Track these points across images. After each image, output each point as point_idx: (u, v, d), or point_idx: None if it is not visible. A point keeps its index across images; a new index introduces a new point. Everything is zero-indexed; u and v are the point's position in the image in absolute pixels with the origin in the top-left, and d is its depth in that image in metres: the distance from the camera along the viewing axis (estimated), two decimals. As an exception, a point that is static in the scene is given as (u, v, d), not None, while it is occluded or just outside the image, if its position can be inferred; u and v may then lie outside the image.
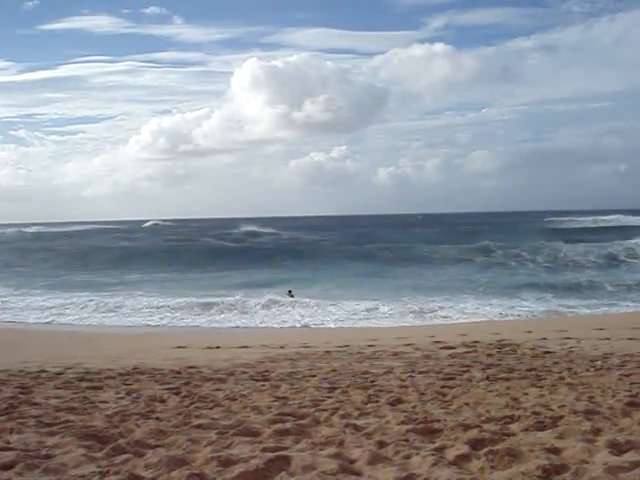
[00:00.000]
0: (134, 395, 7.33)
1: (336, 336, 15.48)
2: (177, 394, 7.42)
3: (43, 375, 9.06)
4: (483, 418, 5.67)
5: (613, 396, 6.59)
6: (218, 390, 7.74)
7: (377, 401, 6.79)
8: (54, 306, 23.86)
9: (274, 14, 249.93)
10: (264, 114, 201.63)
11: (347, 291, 26.45)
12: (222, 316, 21.65)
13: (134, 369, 9.76)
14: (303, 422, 5.67)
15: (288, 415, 6.01)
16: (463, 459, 4.40)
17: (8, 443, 4.86)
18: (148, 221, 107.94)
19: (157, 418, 5.98)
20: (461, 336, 13.80)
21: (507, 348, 11.67)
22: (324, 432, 5.30)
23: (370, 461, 4.39)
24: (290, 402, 6.82)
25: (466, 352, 11.36)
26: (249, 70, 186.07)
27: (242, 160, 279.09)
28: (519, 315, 20.50)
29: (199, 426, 5.59)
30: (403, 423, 5.55)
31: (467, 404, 6.46)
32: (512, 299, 23.63)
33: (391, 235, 63.11)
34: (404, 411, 6.16)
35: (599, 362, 9.55)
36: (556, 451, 4.49)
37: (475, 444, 4.70)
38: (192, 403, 6.82)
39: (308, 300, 23.53)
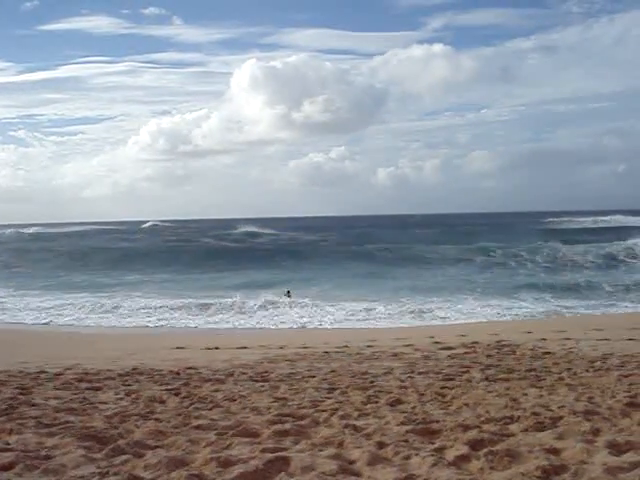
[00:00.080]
0: (133, 396, 7.34)
1: (335, 337, 15.48)
2: (176, 395, 7.42)
3: (42, 376, 9.06)
4: (483, 419, 5.67)
5: (612, 397, 6.60)
6: (217, 391, 7.74)
7: (376, 402, 6.79)
8: (52, 307, 23.86)
9: (273, 15, 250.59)
10: (263, 115, 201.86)
11: (346, 291, 26.44)
12: (221, 317, 21.64)
13: (133, 370, 9.76)
14: (302, 423, 5.67)
15: (287, 416, 6.01)
16: (463, 460, 4.40)
17: (7, 444, 4.85)
18: (147, 222, 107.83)
19: (156, 419, 5.98)
20: (460, 337, 13.80)
21: (506, 349, 11.67)
22: (323, 433, 5.30)
23: (370, 462, 4.39)
24: (289, 403, 6.82)
25: (465, 353, 11.36)
26: (248, 71, 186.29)
27: (241, 161, 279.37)
28: (518, 315, 20.50)
29: (198, 427, 5.59)
30: (403, 424, 5.55)
31: (467, 405, 6.46)
32: (511, 300, 23.64)
33: (390, 235, 63.07)
34: (404, 412, 6.17)
35: (598, 363, 9.55)
36: (555, 452, 4.49)
37: (475, 445, 4.70)
38: (191, 404, 6.82)
39: (307, 301, 23.53)
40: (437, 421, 5.59)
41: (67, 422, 5.69)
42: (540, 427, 5.27)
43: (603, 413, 5.77)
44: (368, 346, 12.70)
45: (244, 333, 18.56)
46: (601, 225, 72.30)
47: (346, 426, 5.49)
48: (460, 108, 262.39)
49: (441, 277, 32.22)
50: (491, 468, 4.23)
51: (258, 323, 20.35)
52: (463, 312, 21.09)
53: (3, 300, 25.92)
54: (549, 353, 10.95)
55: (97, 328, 20.17)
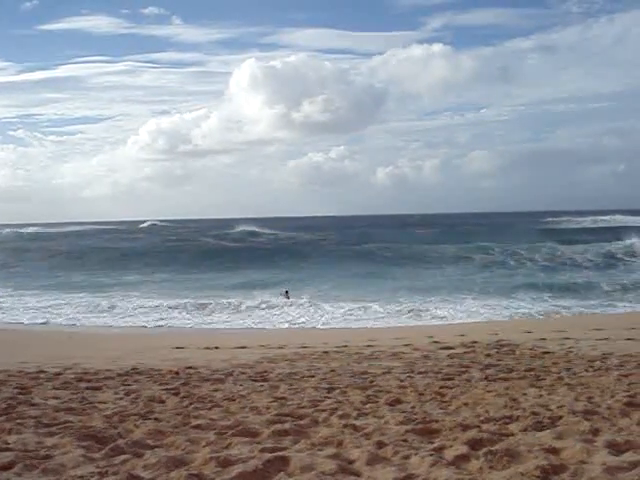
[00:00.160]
0: (133, 396, 7.33)
1: (334, 336, 15.48)
2: (176, 395, 7.42)
3: (42, 375, 9.06)
4: (482, 418, 5.67)
5: (612, 396, 6.60)
6: (217, 391, 7.75)
7: (376, 401, 6.80)
8: (50, 306, 23.85)
9: (273, 14, 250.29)
10: (263, 114, 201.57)
11: (345, 291, 26.44)
12: (220, 316, 21.64)
13: (133, 370, 9.76)
14: (302, 422, 5.68)
15: (287, 415, 6.01)
16: (462, 459, 4.40)
17: (7, 443, 4.85)
18: (146, 221, 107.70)
19: (156, 419, 5.98)
20: (460, 336, 13.81)
21: (506, 348, 11.68)
22: (323, 432, 5.30)
23: (369, 461, 4.39)
24: (289, 402, 6.82)
25: (465, 352, 11.37)
26: (248, 70, 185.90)
27: (241, 160, 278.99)
28: (517, 315, 20.51)
29: (198, 427, 5.59)
30: (402, 423, 5.55)
31: (466, 404, 6.46)
32: (510, 299, 23.65)
33: (389, 235, 63.04)
34: (403, 411, 6.17)
35: (598, 362, 9.56)
36: (555, 451, 4.49)
37: (474, 444, 4.70)
38: (191, 404, 6.83)
39: (305, 300, 23.53)
40: (436, 421, 5.59)
41: (66, 422, 5.69)
42: (539, 427, 5.28)
43: (602, 413, 5.78)
44: (367, 346, 12.70)
45: (243, 333, 18.55)
46: (600, 225, 72.33)
47: (345, 426, 5.49)
48: (460, 108, 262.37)
49: (440, 277, 32.22)
50: (490, 468, 4.23)
51: (257, 323, 20.34)
52: (462, 312, 21.08)
53: (1, 300, 25.89)
54: (548, 353, 10.96)
55: (96, 328, 20.17)
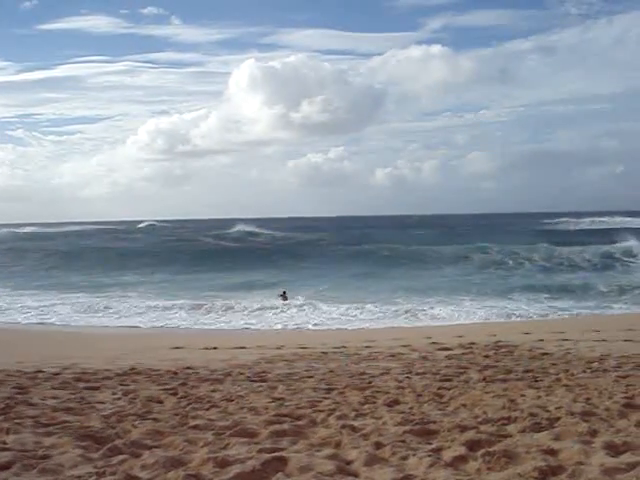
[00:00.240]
0: (131, 396, 7.33)
1: (332, 337, 15.48)
2: (174, 395, 7.42)
3: (40, 375, 9.04)
4: (480, 419, 5.68)
5: (610, 398, 6.61)
6: (215, 391, 7.75)
7: (374, 402, 6.80)
8: (48, 306, 23.79)
9: (272, 15, 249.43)
10: (262, 115, 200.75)
11: (343, 292, 26.43)
12: (218, 317, 21.63)
13: (131, 370, 9.75)
14: (300, 423, 5.68)
15: (285, 416, 6.01)
16: (460, 460, 4.41)
17: (5, 443, 4.84)
18: (144, 221, 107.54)
19: (154, 419, 5.98)
20: (458, 337, 13.81)
21: (504, 349, 11.69)
22: (321, 433, 5.30)
23: (367, 462, 4.40)
24: (287, 403, 6.82)
25: (463, 353, 11.38)
26: (247, 71, 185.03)
27: (240, 161, 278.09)
28: (515, 316, 20.51)
29: (196, 427, 5.59)
30: (400, 424, 5.56)
31: (464, 405, 6.47)
32: (508, 300, 23.65)
33: (388, 236, 63.01)
34: (401, 412, 6.17)
35: (596, 364, 9.57)
36: (553, 452, 4.50)
37: (472, 445, 4.70)
38: (189, 404, 6.83)
39: (303, 301, 23.52)
40: (434, 422, 5.60)
41: (64, 422, 5.69)
42: (537, 428, 5.28)
43: (600, 414, 5.79)
44: (366, 346, 12.71)
45: (242, 333, 18.55)
46: (598, 226, 72.44)
47: (343, 426, 5.49)
48: (459, 109, 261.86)
49: (438, 277, 32.21)
50: (488, 469, 4.24)
51: (256, 323, 20.32)
52: (460, 313, 21.08)
53: None
54: (547, 354, 10.97)
55: (95, 328, 20.14)
